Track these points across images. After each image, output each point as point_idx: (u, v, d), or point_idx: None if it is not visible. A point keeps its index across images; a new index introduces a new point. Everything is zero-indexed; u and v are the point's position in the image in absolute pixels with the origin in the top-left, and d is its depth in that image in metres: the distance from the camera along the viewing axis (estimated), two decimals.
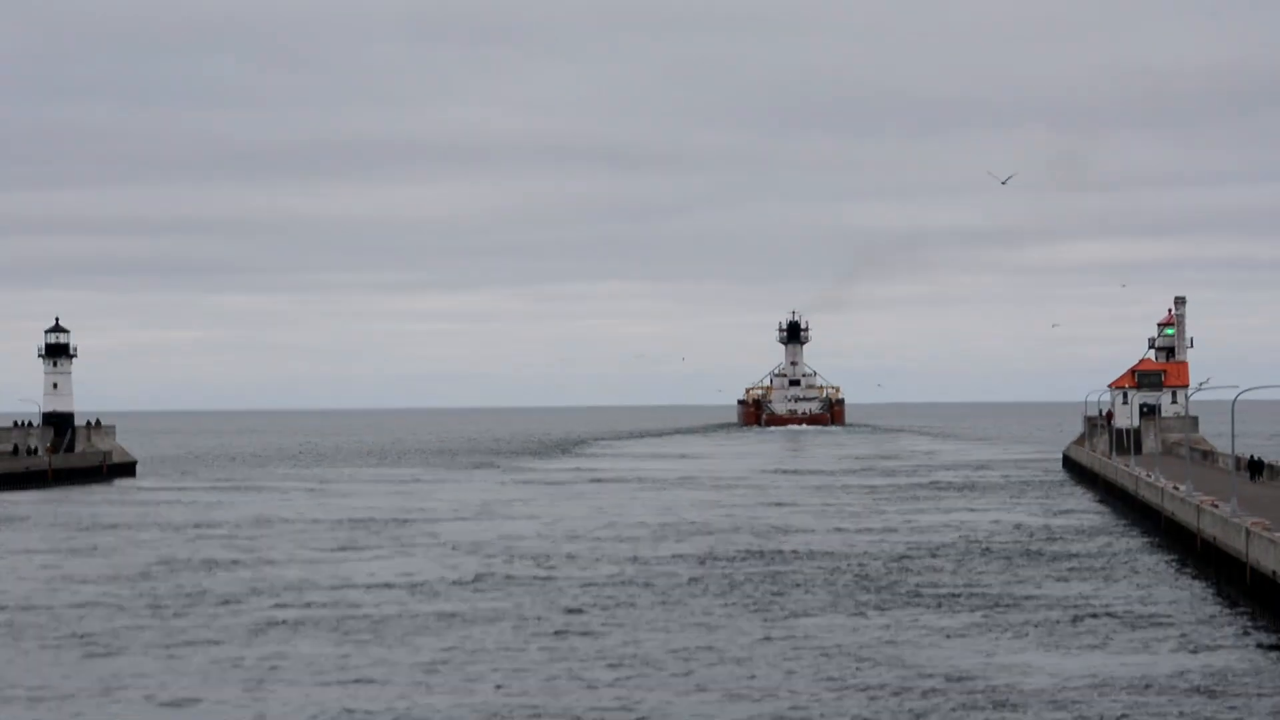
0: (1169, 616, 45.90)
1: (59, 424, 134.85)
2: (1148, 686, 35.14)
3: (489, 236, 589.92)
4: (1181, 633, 42.87)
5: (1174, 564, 59.65)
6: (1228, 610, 47.10)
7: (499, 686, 35.87)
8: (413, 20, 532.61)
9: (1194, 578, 55.20)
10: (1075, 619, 45.41)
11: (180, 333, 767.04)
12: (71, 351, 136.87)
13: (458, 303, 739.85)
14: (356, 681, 36.66)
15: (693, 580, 55.75)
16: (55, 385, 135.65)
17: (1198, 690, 34.77)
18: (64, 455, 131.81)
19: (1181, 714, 32.46)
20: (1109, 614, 46.45)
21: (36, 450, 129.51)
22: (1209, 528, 56.51)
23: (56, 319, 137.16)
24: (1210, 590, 51.76)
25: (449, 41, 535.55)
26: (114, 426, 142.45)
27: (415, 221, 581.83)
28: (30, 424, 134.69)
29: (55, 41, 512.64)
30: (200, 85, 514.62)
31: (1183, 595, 50.74)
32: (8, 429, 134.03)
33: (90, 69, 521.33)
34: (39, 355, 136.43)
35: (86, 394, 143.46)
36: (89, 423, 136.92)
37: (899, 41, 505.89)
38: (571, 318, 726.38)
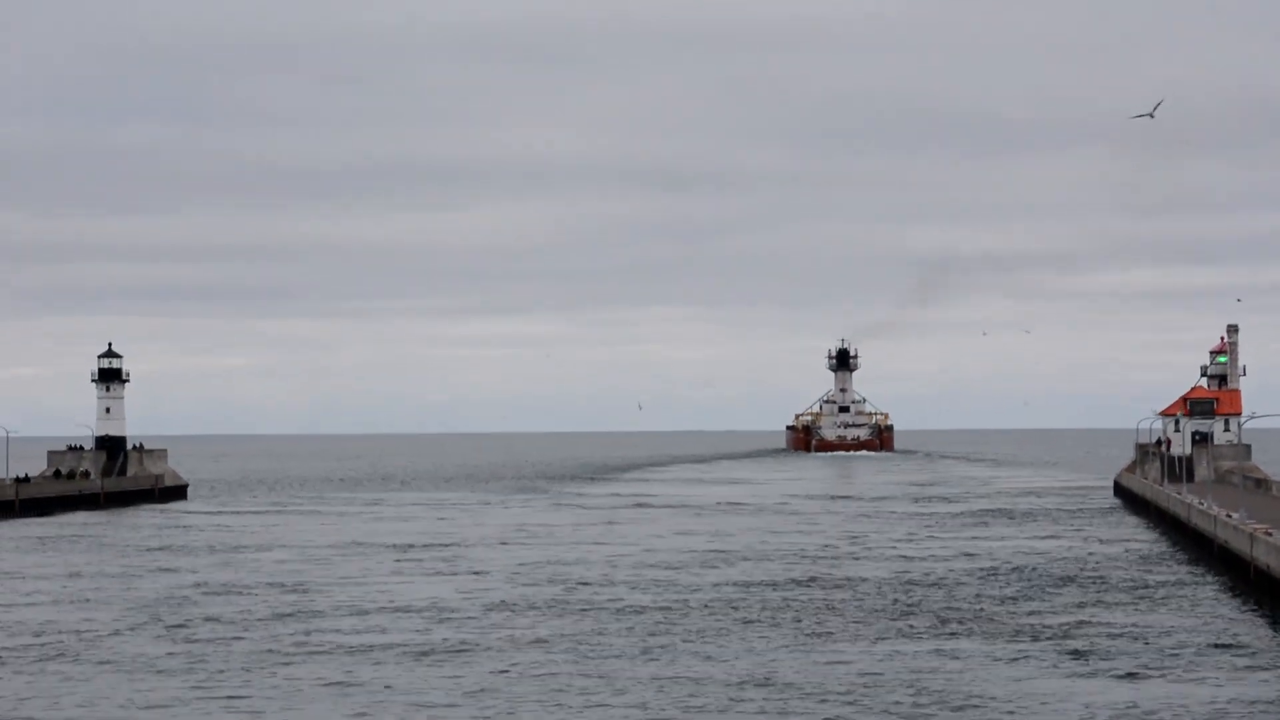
0: (1222, 645, 45.45)
1: (111, 447, 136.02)
2: (1200, 716, 34.79)
3: (538, 260, 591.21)
4: (1234, 661, 42.45)
5: (1227, 592, 59.13)
6: None
7: (540, 711, 35.80)
8: (464, 42, 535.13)
9: (1247, 606, 54.69)
10: (1127, 647, 45.04)
11: (232, 358, 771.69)
12: (124, 376, 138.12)
13: (507, 327, 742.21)
14: (399, 706, 36.66)
15: (739, 606, 55.58)
16: (108, 409, 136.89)
17: None
18: (116, 478, 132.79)
19: None
20: (1161, 642, 46.05)
21: (89, 474, 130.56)
22: (1262, 556, 56.03)
23: (109, 344, 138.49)
24: (1264, 618, 51.26)
25: (500, 63, 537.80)
26: (165, 450, 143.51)
27: (464, 245, 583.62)
28: (82, 447, 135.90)
29: (111, 65, 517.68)
30: (252, 109, 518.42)
31: (1235, 624, 50.25)
32: (61, 452, 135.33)
33: (144, 93, 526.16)
34: (92, 380, 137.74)
35: (138, 418, 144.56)
36: (137, 446, 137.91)
37: (953, 61, 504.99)
38: (620, 341, 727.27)
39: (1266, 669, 41.22)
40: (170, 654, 44.71)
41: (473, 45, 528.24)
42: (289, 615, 53.46)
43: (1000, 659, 43.02)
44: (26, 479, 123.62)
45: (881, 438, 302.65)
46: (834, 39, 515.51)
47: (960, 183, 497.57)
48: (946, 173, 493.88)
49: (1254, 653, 44.02)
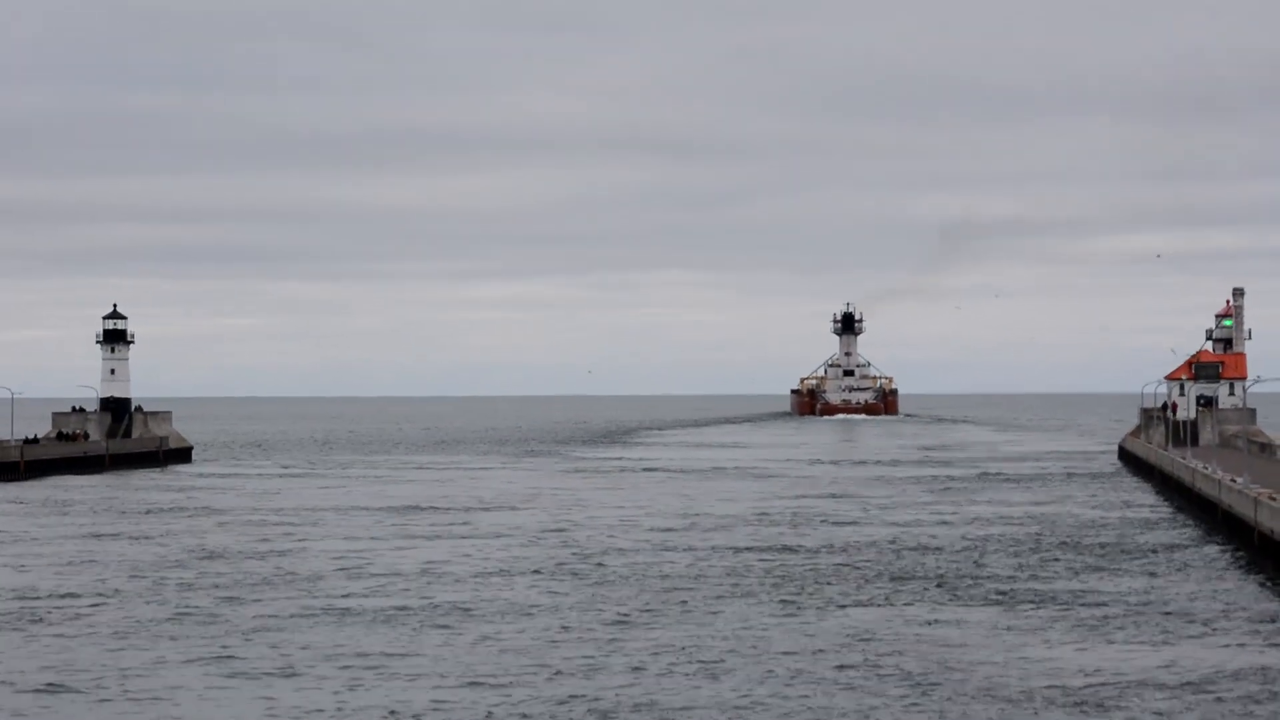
0: (1225, 611, 45.34)
1: (116, 409, 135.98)
2: (1201, 682, 34.70)
3: (548, 225, 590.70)
4: (1237, 626, 42.33)
5: (1231, 557, 59.03)
6: None
7: (533, 676, 35.74)
8: (475, 9, 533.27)
9: (1251, 571, 54.59)
10: (1129, 613, 44.95)
11: (240, 320, 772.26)
12: (129, 338, 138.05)
13: (516, 291, 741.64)
14: (398, 673, 36.61)
15: (739, 571, 55.50)
16: (113, 371, 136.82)
17: (1253, 689, 34.30)
18: (120, 440, 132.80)
19: (1237, 713, 32.04)
20: (1163, 608, 45.95)
21: (88, 435, 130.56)
22: (1267, 520, 55.91)
23: (114, 305, 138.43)
24: (1268, 584, 51.15)
25: (510, 30, 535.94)
26: (170, 412, 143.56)
27: (474, 210, 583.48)
28: (83, 409, 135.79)
29: (119, 29, 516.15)
30: (263, 73, 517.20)
31: (1239, 589, 50.15)
32: (66, 414, 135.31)
33: (154, 58, 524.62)
34: (97, 341, 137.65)
35: (145, 380, 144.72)
36: (138, 407, 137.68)
37: (962, 29, 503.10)
38: (629, 306, 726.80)
39: (1270, 635, 41.11)
40: (168, 619, 44.67)
41: (483, 12, 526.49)
42: (289, 579, 53.43)
43: (1000, 625, 42.93)
44: (36, 440, 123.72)
45: (886, 401, 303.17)
46: (843, 8, 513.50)
47: (970, 150, 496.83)
48: (956, 140, 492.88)
49: (1257, 618, 43.90)
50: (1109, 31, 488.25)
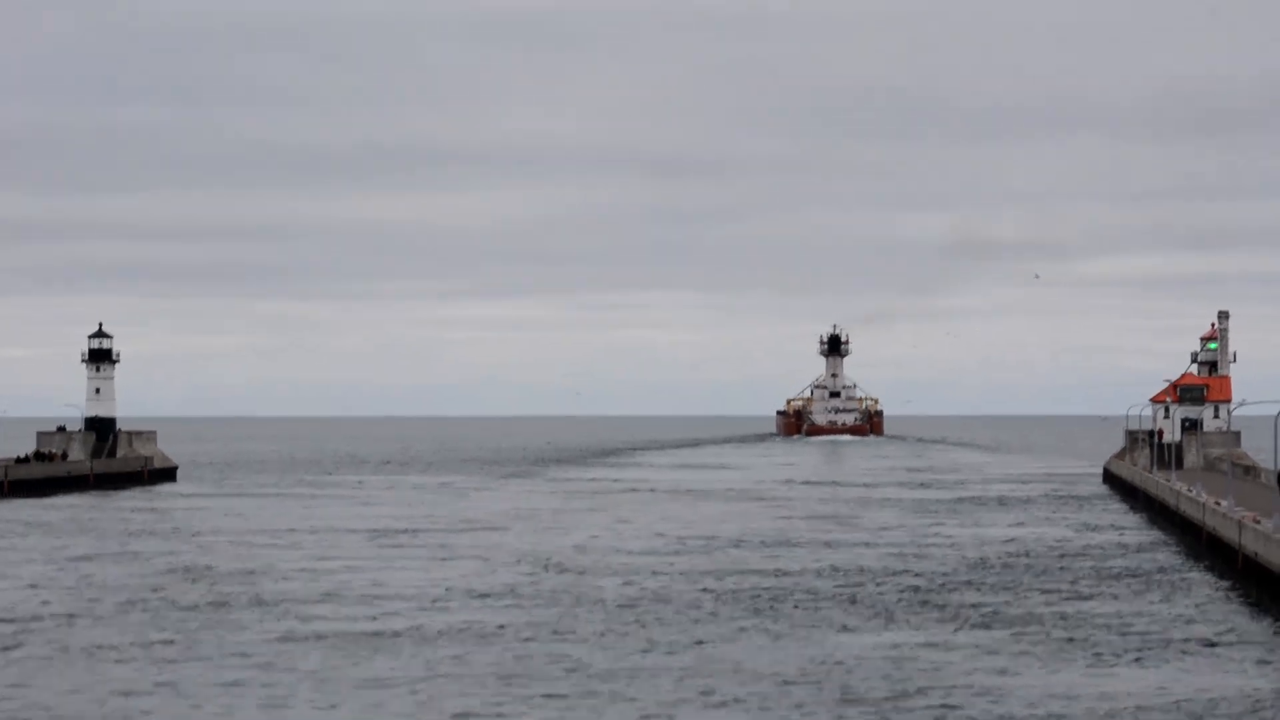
0: (1208, 635, 45.22)
1: (101, 429, 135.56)
2: (1186, 706, 34.54)
3: (532, 243, 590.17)
4: (1221, 651, 42.20)
5: (1215, 580, 58.94)
6: (1270, 628, 46.43)
7: (504, 699, 35.52)
8: (464, 25, 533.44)
9: (1235, 595, 54.49)
10: (1113, 636, 44.79)
11: (223, 338, 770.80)
12: (114, 357, 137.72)
13: (500, 310, 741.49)
14: (371, 695, 36.37)
15: (718, 594, 55.26)
16: (98, 390, 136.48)
17: (1236, 712, 34.14)
18: (105, 460, 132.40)
19: None
20: (1147, 630, 45.81)
21: (67, 455, 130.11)
22: (1250, 543, 55.86)
23: (100, 324, 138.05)
24: (1251, 607, 51.05)
25: (498, 45, 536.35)
26: (155, 432, 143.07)
27: (459, 228, 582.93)
28: (65, 428, 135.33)
29: (104, 43, 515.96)
30: (249, 87, 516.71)
31: (1223, 612, 50.03)
32: (50, 433, 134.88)
33: (142, 72, 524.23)
34: (82, 360, 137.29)
35: (129, 399, 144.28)
36: (117, 429, 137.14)
37: (948, 48, 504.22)
38: (614, 326, 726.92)
39: (1253, 658, 40.97)
40: (145, 642, 44.34)
41: (473, 28, 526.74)
42: (267, 602, 53.11)
43: (984, 647, 42.74)
44: (27, 459, 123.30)
45: (871, 423, 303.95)
46: (830, 26, 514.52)
47: (954, 170, 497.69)
48: (941, 160, 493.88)
49: (1241, 641, 43.77)
50: (1093, 53, 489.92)
